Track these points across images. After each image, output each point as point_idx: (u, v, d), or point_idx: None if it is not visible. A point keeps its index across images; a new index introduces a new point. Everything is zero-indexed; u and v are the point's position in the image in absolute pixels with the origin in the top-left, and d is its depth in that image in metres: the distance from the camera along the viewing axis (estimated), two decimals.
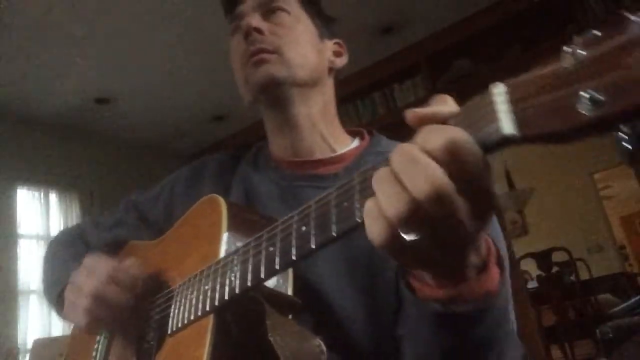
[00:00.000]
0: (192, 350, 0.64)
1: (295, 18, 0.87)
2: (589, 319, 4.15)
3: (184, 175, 0.97)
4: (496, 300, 0.50)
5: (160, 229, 0.91)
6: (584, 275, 4.79)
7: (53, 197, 3.84)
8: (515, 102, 0.38)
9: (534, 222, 6.83)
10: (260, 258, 0.59)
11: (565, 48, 0.37)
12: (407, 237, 0.39)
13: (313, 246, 0.51)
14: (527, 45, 3.38)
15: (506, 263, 0.54)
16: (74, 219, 3.86)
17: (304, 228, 0.53)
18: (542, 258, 4.31)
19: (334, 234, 0.49)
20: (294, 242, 0.54)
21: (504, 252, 0.70)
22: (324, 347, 0.59)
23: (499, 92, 0.40)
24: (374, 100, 3.87)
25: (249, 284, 0.60)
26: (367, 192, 0.45)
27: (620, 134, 0.35)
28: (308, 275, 0.71)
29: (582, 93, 0.35)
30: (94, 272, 0.77)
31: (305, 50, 0.86)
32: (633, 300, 2.83)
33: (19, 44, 2.95)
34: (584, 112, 0.35)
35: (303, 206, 0.55)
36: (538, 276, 4.42)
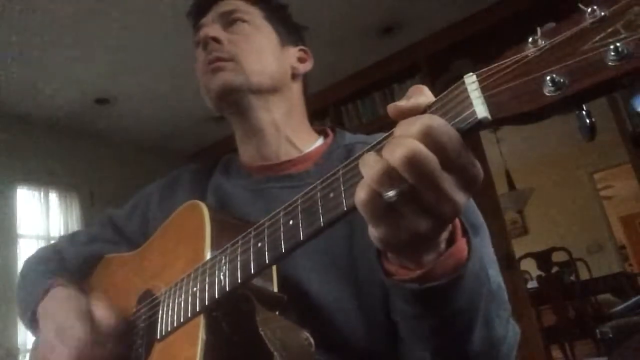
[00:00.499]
0: (184, 350, 0.64)
1: (255, 28, 0.90)
2: (589, 319, 4.16)
3: (158, 188, 0.98)
4: (468, 266, 0.52)
5: (136, 242, 0.92)
6: (584, 275, 4.80)
7: (53, 197, 3.84)
8: (487, 88, 0.43)
9: (534, 222, 6.84)
10: (249, 254, 0.60)
11: (528, 38, 0.42)
12: (387, 194, 0.43)
13: (302, 238, 0.53)
14: None
15: (475, 228, 0.57)
16: (74, 219, 3.86)
17: (291, 222, 0.55)
18: (542, 258, 4.31)
19: (322, 224, 0.51)
20: (282, 236, 0.56)
21: (475, 216, 0.74)
22: (312, 340, 0.60)
23: (472, 81, 0.44)
24: (374, 100, 3.87)
25: (239, 280, 0.61)
26: (352, 181, 0.48)
27: (580, 112, 0.40)
28: (290, 272, 0.71)
29: (546, 77, 0.39)
30: (57, 313, 0.77)
31: (263, 57, 0.88)
32: (633, 300, 2.82)
33: (19, 44, 2.95)
34: (548, 93, 0.39)
35: (288, 202, 0.57)
36: (538, 276, 4.42)
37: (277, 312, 0.65)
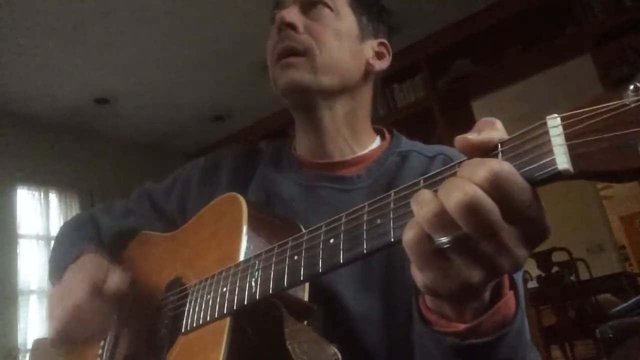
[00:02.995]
0: (207, 351, 0.64)
1: (336, 15, 0.83)
2: (589, 319, 4.15)
3: (200, 167, 0.94)
4: (515, 323, 0.48)
5: (173, 222, 0.90)
6: (584, 275, 4.79)
7: (53, 197, 3.84)
8: (572, 136, 0.37)
9: None
10: (284, 266, 0.58)
11: (630, 85, 0.36)
12: (439, 240, 0.39)
13: (341, 260, 0.50)
14: (527, 45, 3.38)
15: (518, 280, 0.52)
16: None
17: (332, 240, 0.52)
18: (542, 258, 4.31)
19: (364, 250, 0.48)
20: (321, 254, 0.53)
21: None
22: (339, 356, 0.58)
23: (555, 125, 0.38)
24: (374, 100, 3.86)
25: (270, 291, 0.59)
26: (404, 211, 0.45)
27: None
28: (325, 282, 0.70)
29: None
30: (79, 284, 0.77)
31: (339, 54, 0.81)
32: (633, 300, 2.82)
33: (19, 44, 2.95)
34: None
35: (332, 219, 0.53)
36: (538, 276, 4.41)
37: (305, 322, 0.63)
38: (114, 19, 2.89)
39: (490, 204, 0.37)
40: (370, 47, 0.86)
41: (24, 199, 3.68)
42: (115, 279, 0.77)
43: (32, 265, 3.55)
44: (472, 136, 0.42)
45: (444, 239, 0.39)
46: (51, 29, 2.88)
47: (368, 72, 0.86)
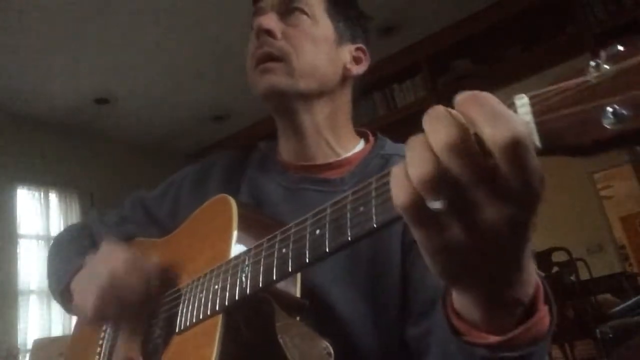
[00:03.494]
0: (200, 348, 0.64)
1: (313, 21, 0.85)
2: (589, 319, 4.15)
3: (191, 174, 0.97)
4: (547, 338, 0.47)
5: (166, 228, 0.91)
6: (584, 275, 4.79)
7: (53, 197, 3.84)
8: (539, 114, 0.38)
9: None
10: (272, 259, 0.59)
11: (590, 62, 0.37)
12: (432, 205, 0.37)
13: (327, 250, 0.51)
14: (527, 45, 3.39)
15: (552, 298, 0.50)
16: (74, 219, 3.86)
17: (318, 231, 0.53)
18: (542, 258, 4.31)
19: (349, 238, 0.49)
20: (308, 245, 0.54)
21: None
22: (331, 350, 0.59)
23: (522, 104, 0.39)
24: (374, 100, 3.87)
25: (260, 285, 0.60)
26: (385, 196, 0.45)
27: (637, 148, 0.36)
28: (311, 278, 0.71)
29: (607, 108, 0.35)
30: (111, 260, 0.76)
31: (316, 59, 0.83)
32: (633, 300, 2.82)
33: (19, 44, 2.95)
34: (608, 126, 0.35)
35: (317, 209, 0.54)
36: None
37: (297, 318, 0.64)
38: (114, 18, 2.89)
39: (472, 142, 0.36)
40: (347, 51, 0.88)
41: (24, 199, 3.69)
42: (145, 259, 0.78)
43: (32, 265, 3.55)
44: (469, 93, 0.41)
45: (437, 204, 0.37)
46: (51, 29, 2.88)
47: (346, 76, 0.88)
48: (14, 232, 3.53)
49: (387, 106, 3.81)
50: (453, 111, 0.38)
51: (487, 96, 0.37)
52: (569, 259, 4.42)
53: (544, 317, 0.46)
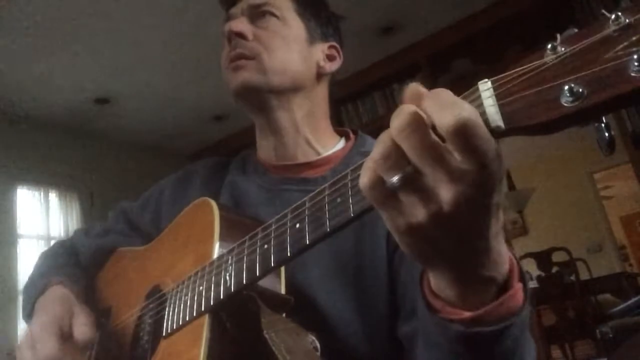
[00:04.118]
0: (188, 349, 0.65)
1: (283, 23, 0.87)
2: (589, 319, 4.15)
3: (172, 182, 0.98)
4: (522, 315, 0.48)
5: (149, 237, 0.92)
6: (584, 275, 4.79)
7: (53, 197, 3.84)
8: (501, 96, 0.41)
9: (534, 222, 6.83)
10: (255, 256, 0.60)
11: (547, 45, 0.39)
12: (389, 182, 0.41)
13: (307, 242, 0.53)
14: (527, 45, 3.38)
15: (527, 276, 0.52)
16: (74, 219, 3.86)
17: (297, 225, 0.55)
18: (542, 258, 4.31)
19: (328, 229, 0.50)
20: (288, 239, 0.55)
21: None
22: (317, 343, 0.60)
23: (486, 88, 0.42)
24: (374, 100, 3.87)
25: (244, 282, 0.60)
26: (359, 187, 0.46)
27: (599, 125, 0.39)
28: (298, 278, 0.71)
29: (564, 87, 0.37)
30: (49, 330, 0.77)
31: (288, 56, 0.85)
32: (633, 300, 2.82)
33: (19, 44, 2.95)
34: (566, 104, 0.38)
35: (296, 204, 0.56)
36: (538, 276, 4.42)
37: (283, 314, 0.65)
38: (114, 18, 2.89)
39: (424, 123, 0.39)
40: (320, 50, 0.90)
41: (24, 199, 3.68)
42: (81, 323, 0.78)
43: (32, 265, 3.55)
44: (422, 88, 0.43)
45: (394, 179, 0.40)
46: (51, 29, 2.88)
47: (320, 73, 0.90)
48: (14, 232, 3.53)
49: (387, 106, 3.81)
50: (410, 105, 0.41)
51: (440, 90, 0.41)
52: (569, 259, 4.42)
53: (517, 294, 0.48)
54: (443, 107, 0.39)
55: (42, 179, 3.74)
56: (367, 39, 3.50)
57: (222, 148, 4.44)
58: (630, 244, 8.44)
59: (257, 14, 0.87)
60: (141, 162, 4.30)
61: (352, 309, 0.72)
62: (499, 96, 0.41)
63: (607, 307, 4.24)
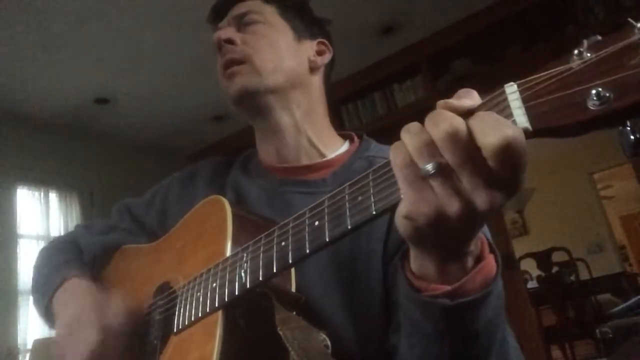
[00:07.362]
0: (201, 345, 0.65)
1: (269, 26, 0.90)
2: (589, 319, 4.16)
3: (178, 180, 0.98)
4: (497, 283, 0.52)
5: (154, 233, 0.92)
6: (584, 275, 4.79)
7: (53, 197, 3.83)
8: (528, 99, 0.42)
9: (534, 222, 6.83)
10: (272, 253, 0.60)
11: (573, 50, 0.41)
12: (424, 167, 0.43)
13: (327, 239, 0.54)
14: (527, 45, 3.38)
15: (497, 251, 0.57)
16: (74, 219, 3.86)
17: (317, 223, 0.55)
18: (542, 258, 4.32)
19: (348, 226, 0.51)
20: (307, 237, 0.56)
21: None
22: (328, 342, 0.61)
23: (512, 91, 0.43)
24: (374, 100, 3.86)
25: (260, 278, 0.60)
26: (383, 185, 0.48)
27: (624, 128, 0.41)
28: (296, 279, 0.71)
29: (591, 91, 0.39)
30: (78, 334, 0.77)
31: (277, 54, 0.88)
32: (633, 300, 2.83)
33: (19, 44, 2.95)
34: (592, 107, 0.39)
35: (314, 204, 0.57)
36: (538, 276, 4.42)
37: (294, 312, 0.65)
38: (114, 18, 2.89)
39: (466, 134, 0.42)
40: (309, 47, 0.93)
41: (24, 199, 3.68)
42: (117, 310, 0.78)
43: (33, 262, 3.55)
44: (452, 100, 0.46)
45: (429, 167, 0.43)
46: (51, 29, 2.88)
47: (312, 68, 0.92)
48: (14, 232, 3.53)
49: (387, 106, 3.81)
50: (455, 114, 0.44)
51: (484, 112, 0.43)
52: (569, 259, 4.42)
53: (490, 263, 0.52)
54: (489, 127, 0.41)
55: (42, 179, 3.74)
56: (367, 39, 3.50)
57: (222, 148, 4.44)
58: (630, 244, 8.45)
59: (242, 23, 0.91)
60: (141, 162, 4.30)
61: (345, 314, 0.72)
62: (525, 99, 0.43)
63: (607, 307, 4.24)
